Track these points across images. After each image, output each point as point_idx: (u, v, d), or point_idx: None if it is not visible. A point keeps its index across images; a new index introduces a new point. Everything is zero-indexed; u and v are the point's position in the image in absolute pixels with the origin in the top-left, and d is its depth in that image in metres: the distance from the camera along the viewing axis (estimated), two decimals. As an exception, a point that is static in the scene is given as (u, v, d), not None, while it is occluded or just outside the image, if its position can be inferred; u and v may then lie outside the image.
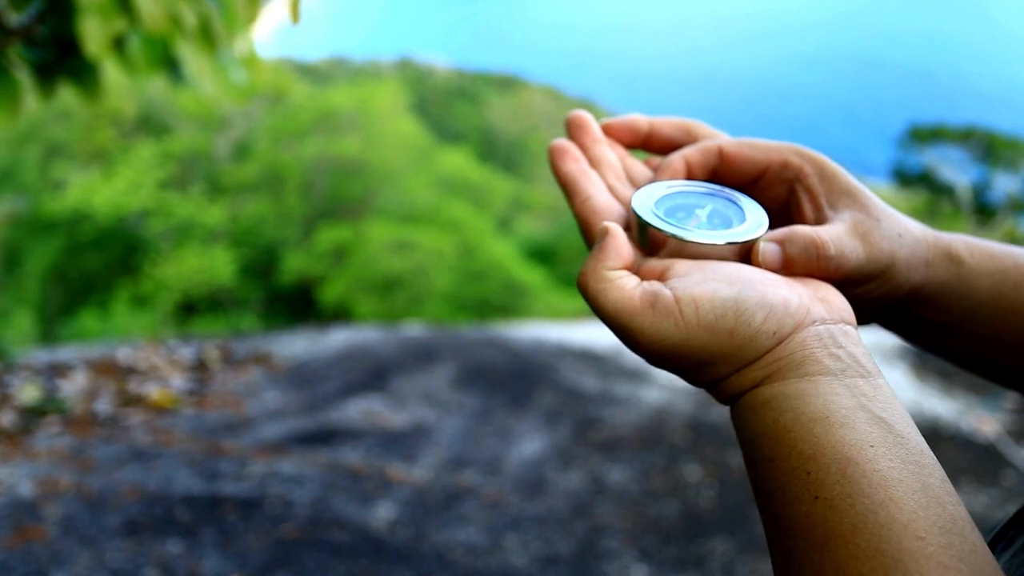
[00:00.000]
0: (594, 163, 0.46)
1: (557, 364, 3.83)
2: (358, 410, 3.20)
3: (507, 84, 23.98)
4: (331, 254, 10.91)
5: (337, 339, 4.30)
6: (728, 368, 0.36)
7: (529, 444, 2.95)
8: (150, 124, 12.38)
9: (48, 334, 9.23)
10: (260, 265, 11.43)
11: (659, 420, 3.18)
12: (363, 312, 10.09)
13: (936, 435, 3.03)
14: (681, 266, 0.38)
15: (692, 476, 2.74)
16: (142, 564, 2.06)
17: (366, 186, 12.10)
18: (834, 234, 0.39)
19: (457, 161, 14.14)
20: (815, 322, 0.36)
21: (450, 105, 21.27)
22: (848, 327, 0.36)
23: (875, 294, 0.42)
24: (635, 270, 0.39)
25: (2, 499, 2.36)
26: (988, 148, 14.20)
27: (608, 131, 0.47)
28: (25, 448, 2.75)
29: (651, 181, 0.44)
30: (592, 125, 0.47)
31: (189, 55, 1.12)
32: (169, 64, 1.20)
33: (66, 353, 4.12)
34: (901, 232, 0.41)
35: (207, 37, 1.14)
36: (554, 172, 0.45)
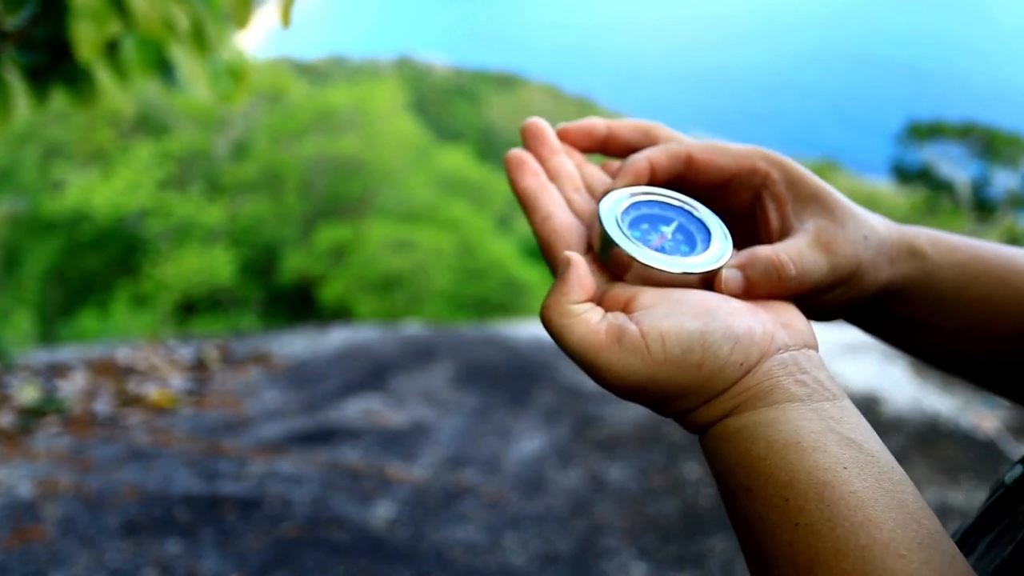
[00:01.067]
0: (552, 175, 0.44)
1: (556, 362, 3.82)
2: (357, 409, 3.20)
3: (506, 82, 24.00)
4: (330, 253, 10.92)
5: (336, 338, 4.30)
6: (696, 400, 0.36)
7: (528, 443, 2.96)
8: (149, 124, 12.37)
9: (47, 334, 9.23)
10: (260, 265, 11.44)
11: (658, 418, 3.18)
12: (363, 311, 10.10)
13: (935, 432, 3.03)
14: (646, 297, 0.37)
15: (691, 474, 2.74)
16: (141, 564, 2.06)
17: (365, 185, 12.11)
18: (794, 251, 0.39)
19: (456, 160, 14.15)
20: (779, 350, 0.36)
21: (449, 104, 21.28)
22: (811, 352, 0.37)
23: (844, 298, 0.42)
24: (599, 297, 0.38)
25: (1, 499, 2.37)
26: (987, 144, 14.21)
27: (564, 136, 0.47)
28: (24, 448, 2.76)
29: (615, 183, 0.43)
30: (548, 134, 0.46)
31: (182, 58, 1.12)
32: (162, 68, 1.20)
33: (65, 353, 4.12)
34: (867, 233, 0.41)
35: (200, 40, 1.14)
36: (512, 186, 0.44)
